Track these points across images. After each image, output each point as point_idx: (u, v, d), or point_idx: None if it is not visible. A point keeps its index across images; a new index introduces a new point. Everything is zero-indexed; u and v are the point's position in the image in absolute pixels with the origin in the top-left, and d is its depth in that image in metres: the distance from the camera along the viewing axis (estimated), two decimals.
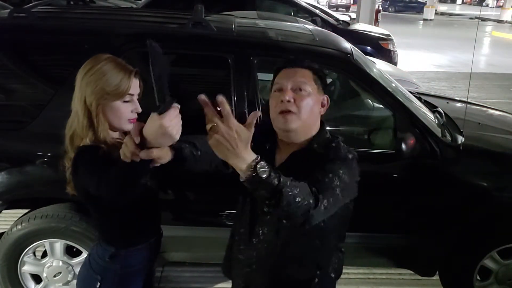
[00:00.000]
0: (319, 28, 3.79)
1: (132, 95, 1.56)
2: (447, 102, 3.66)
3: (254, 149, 1.20)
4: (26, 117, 2.49)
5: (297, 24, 4.00)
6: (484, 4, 40.20)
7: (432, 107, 3.13)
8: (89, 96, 1.51)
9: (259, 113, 1.21)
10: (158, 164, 1.29)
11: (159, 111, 1.12)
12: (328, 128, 1.58)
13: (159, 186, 1.76)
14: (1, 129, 2.52)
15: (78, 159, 1.50)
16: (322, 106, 1.53)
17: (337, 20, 7.91)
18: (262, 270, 1.54)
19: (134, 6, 8.68)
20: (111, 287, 1.68)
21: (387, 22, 19.08)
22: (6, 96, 2.66)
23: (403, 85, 3.28)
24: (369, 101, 3.04)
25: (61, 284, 2.61)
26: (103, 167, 1.36)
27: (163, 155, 1.26)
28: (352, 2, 29.08)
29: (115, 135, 1.60)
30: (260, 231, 1.52)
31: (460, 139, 2.67)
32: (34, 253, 2.61)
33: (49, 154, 2.44)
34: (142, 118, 1.46)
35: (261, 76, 2.59)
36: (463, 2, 44.77)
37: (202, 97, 1.12)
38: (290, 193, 1.20)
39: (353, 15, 13.44)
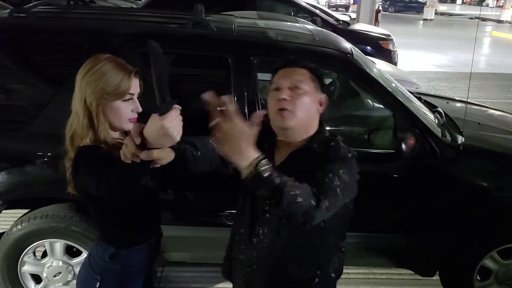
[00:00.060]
0: (319, 28, 3.79)
1: (132, 94, 1.56)
2: (447, 102, 3.66)
3: None
4: (26, 117, 2.48)
5: (297, 24, 4.00)
6: (484, 4, 40.22)
7: (432, 107, 3.13)
8: (89, 96, 1.51)
9: (265, 111, 1.22)
10: (159, 165, 1.29)
11: (160, 112, 1.12)
12: (328, 128, 1.59)
13: (159, 186, 1.76)
14: (1, 129, 2.52)
15: (78, 159, 1.50)
16: (321, 105, 1.53)
17: (337, 20, 7.91)
18: (263, 270, 1.54)
19: (134, 6, 8.68)
20: (111, 287, 1.68)
21: (387, 22, 19.08)
22: (6, 96, 2.66)
23: (403, 85, 3.28)
24: (369, 101, 3.04)
25: (61, 284, 2.61)
26: (103, 167, 1.36)
27: (164, 156, 1.26)
28: (352, 2, 29.11)
29: (116, 135, 1.60)
30: (260, 231, 1.52)
31: (460, 139, 2.67)
32: (34, 253, 2.61)
33: (49, 154, 2.44)
34: (142, 118, 1.46)
35: (261, 76, 2.59)
36: (463, 2, 44.76)
37: (207, 94, 1.13)
38: (291, 193, 1.20)
39: (353, 15, 13.45)
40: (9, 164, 2.51)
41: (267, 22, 3.46)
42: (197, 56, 2.69)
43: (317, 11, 7.71)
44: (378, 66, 3.42)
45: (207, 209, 2.63)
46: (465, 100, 3.43)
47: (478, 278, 2.76)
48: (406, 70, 7.75)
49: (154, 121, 1.13)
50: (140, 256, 1.71)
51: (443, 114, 2.96)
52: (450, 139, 2.66)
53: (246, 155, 1.16)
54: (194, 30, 2.60)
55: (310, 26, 3.72)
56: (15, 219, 2.59)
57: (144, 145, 1.18)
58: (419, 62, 11.53)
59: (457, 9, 37.55)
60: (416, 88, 4.66)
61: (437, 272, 2.82)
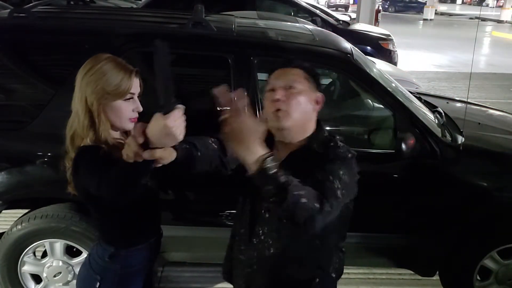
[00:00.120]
0: (319, 28, 3.79)
1: (133, 94, 1.56)
2: (447, 102, 3.66)
3: None
4: (26, 117, 2.48)
5: (297, 24, 4.00)
6: (484, 4, 40.21)
7: (432, 107, 3.13)
8: (90, 96, 1.51)
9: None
10: (160, 165, 1.29)
11: (164, 111, 1.12)
12: (328, 128, 1.58)
13: (159, 186, 1.76)
14: (1, 129, 2.52)
15: (79, 159, 1.50)
16: (317, 103, 1.53)
17: (337, 20, 7.91)
18: (263, 270, 1.54)
19: (134, 6, 8.68)
20: (111, 287, 1.68)
21: (387, 22, 19.07)
22: (6, 96, 2.66)
23: (403, 85, 3.28)
24: (369, 101, 3.04)
25: (61, 284, 2.61)
26: (103, 167, 1.36)
27: (166, 156, 1.26)
28: (351, 2, 29.11)
29: (116, 135, 1.60)
30: (260, 231, 1.52)
31: (460, 139, 2.67)
32: (34, 253, 2.60)
33: (49, 154, 2.44)
34: (142, 117, 1.46)
35: (261, 76, 2.59)
36: (463, 2, 44.75)
37: (217, 89, 1.13)
38: (295, 192, 1.20)
39: (353, 15, 13.45)
40: (9, 164, 2.51)
41: (267, 22, 3.46)
42: (197, 56, 2.69)
43: (317, 11, 7.71)
44: (378, 66, 3.42)
45: (207, 209, 2.63)
46: (465, 100, 3.43)
47: (478, 278, 2.76)
48: (406, 70, 7.75)
49: (157, 120, 1.13)
50: (140, 256, 1.71)
51: (443, 114, 2.96)
52: (450, 139, 2.66)
53: (254, 151, 1.17)
54: (194, 30, 2.60)
55: (310, 26, 3.72)
56: (15, 219, 2.59)
57: (146, 145, 1.18)
58: (419, 62, 11.53)
59: (457, 9, 37.55)
60: (416, 88, 4.66)
61: (437, 272, 2.82)
